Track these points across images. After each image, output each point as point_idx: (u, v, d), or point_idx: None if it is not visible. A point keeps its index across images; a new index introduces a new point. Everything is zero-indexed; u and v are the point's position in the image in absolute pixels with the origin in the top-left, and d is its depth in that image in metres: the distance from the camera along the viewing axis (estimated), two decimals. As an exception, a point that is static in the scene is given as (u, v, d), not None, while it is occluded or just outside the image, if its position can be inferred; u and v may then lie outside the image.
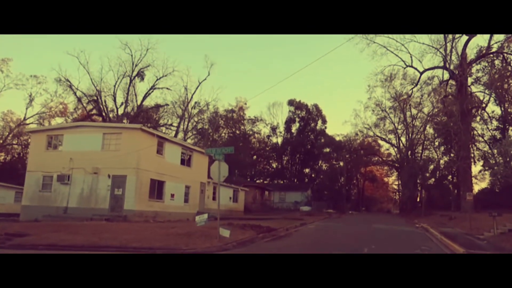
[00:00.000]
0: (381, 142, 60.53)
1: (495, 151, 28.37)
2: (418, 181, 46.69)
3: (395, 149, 56.81)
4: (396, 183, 67.86)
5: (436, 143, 47.98)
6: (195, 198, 28.12)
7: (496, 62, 35.32)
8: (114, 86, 45.43)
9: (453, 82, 35.51)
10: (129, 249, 10.55)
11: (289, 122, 67.33)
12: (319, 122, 67.59)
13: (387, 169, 68.05)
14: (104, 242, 11.54)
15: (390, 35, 34.93)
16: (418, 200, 47.26)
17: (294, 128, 67.35)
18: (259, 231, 14.92)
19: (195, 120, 53.36)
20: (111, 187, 21.90)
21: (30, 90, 46.82)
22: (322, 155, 63.80)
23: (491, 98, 36.86)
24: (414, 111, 49.37)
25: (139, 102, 48.16)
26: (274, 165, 69.54)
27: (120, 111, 45.93)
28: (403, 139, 53.97)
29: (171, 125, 51.87)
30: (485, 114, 39.68)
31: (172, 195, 24.98)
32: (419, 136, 50.11)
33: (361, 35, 33.45)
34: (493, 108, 47.04)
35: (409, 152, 51.32)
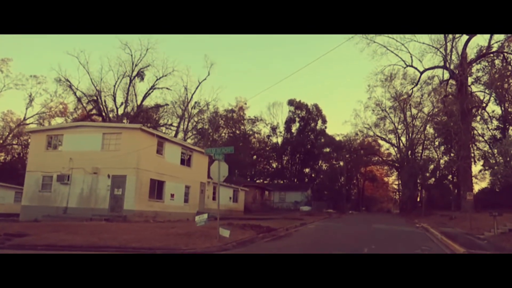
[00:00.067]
0: (381, 142, 60.60)
1: (495, 150, 28.37)
2: (418, 181, 46.67)
3: (395, 149, 56.78)
4: (396, 183, 67.92)
5: (436, 143, 47.99)
6: (195, 198, 28.11)
7: (497, 61, 35.34)
8: (114, 86, 45.54)
9: (453, 82, 35.48)
10: (128, 249, 10.54)
11: (289, 122, 67.34)
12: (319, 122, 67.68)
13: (387, 169, 68.04)
14: (104, 242, 11.54)
15: (390, 35, 34.97)
16: (418, 200, 47.17)
17: (294, 128, 67.41)
18: (259, 231, 14.92)
19: (195, 120, 53.39)
20: (111, 187, 21.89)
21: (30, 90, 46.99)
22: (322, 155, 63.80)
23: (491, 98, 36.96)
24: (414, 111, 49.39)
25: (139, 102, 48.23)
26: (274, 165, 69.55)
27: (120, 111, 45.99)
28: (403, 139, 53.99)
29: (171, 125, 51.93)
30: (485, 113, 39.72)
31: (172, 195, 24.97)
32: (419, 136, 50.06)
33: (361, 35, 33.51)
34: (493, 108, 47.19)
35: (409, 152, 51.27)
